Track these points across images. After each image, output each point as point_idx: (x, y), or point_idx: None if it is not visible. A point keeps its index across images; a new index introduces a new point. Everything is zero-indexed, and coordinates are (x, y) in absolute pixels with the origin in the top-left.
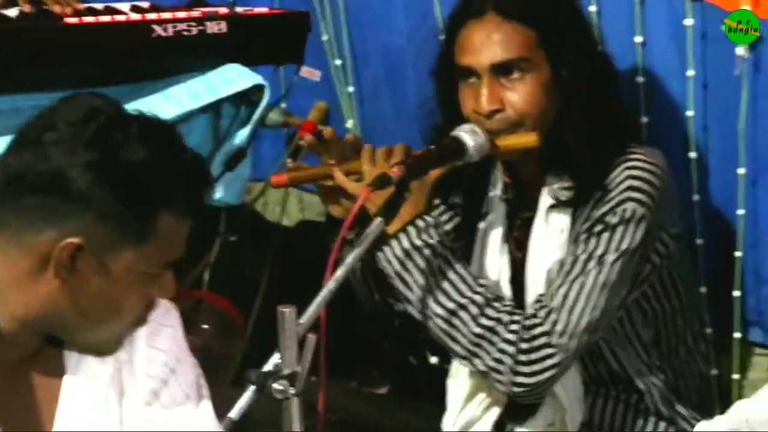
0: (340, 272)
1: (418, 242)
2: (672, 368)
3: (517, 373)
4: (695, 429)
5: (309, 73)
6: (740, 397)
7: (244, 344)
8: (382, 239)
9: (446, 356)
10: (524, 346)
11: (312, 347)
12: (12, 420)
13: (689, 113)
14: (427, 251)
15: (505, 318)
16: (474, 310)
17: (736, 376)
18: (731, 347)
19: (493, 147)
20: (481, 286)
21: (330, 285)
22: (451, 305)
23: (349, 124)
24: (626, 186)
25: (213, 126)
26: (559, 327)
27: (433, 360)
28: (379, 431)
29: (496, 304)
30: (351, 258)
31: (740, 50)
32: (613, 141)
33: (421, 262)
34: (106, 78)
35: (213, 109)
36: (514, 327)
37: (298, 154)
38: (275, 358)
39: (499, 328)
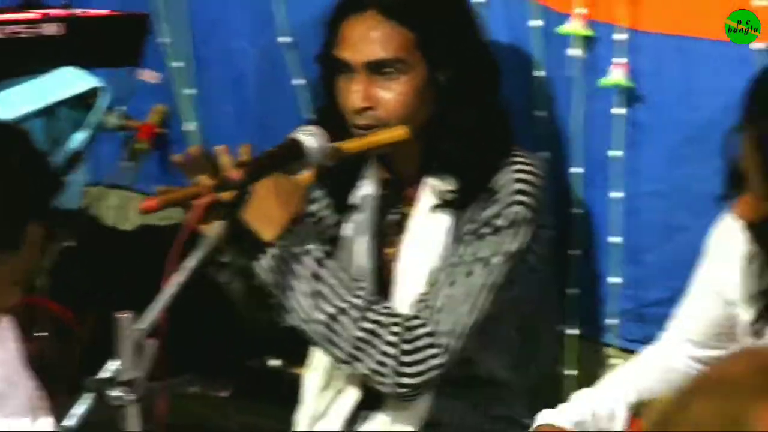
0: (179, 277)
1: (296, 249)
2: (533, 372)
3: (400, 374)
4: (539, 418)
5: (148, 75)
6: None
7: (81, 351)
8: (259, 248)
9: (290, 359)
10: (407, 347)
11: (151, 353)
12: None
13: (537, 113)
14: (304, 257)
15: (386, 320)
16: (355, 313)
17: (573, 372)
18: (568, 343)
19: (338, 150)
20: (361, 289)
21: (169, 290)
22: (331, 310)
23: (190, 127)
24: (514, 189)
25: (48, 129)
26: (443, 327)
27: (274, 363)
28: None
29: (376, 307)
30: (191, 262)
31: (573, 51)
32: (496, 143)
33: (300, 269)
34: None
35: (49, 112)
36: (395, 329)
37: (137, 158)
38: (113, 365)
39: (381, 331)
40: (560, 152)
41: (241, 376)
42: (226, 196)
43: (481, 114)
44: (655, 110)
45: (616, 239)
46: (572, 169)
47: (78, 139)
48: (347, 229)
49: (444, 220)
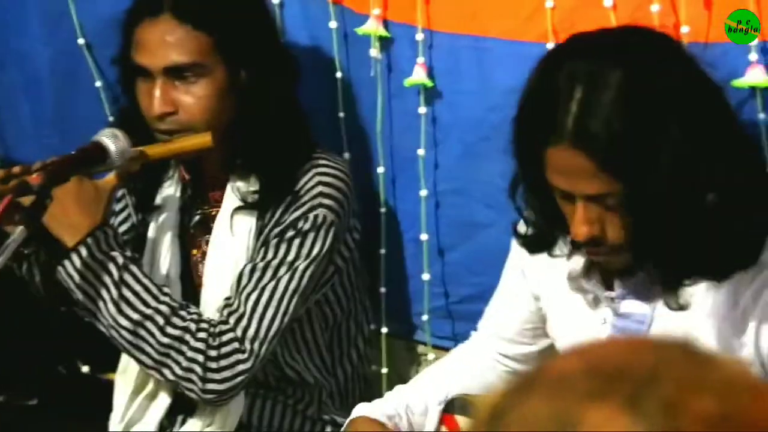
0: None
1: (99, 255)
2: (343, 371)
3: (207, 380)
4: (354, 411)
5: None
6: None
7: None
8: (61, 254)
9: (99, 365)
10: (213, 353)
11: None
12: None
13: (341, 114)
14: (108, 263)
15: (192, 326)
16: (160, 320)
17: (384, 371)
18: (378, 341)
19: (143, 154)
20: (166, 295)
21: None
22: (136, 317)
23: None
24: (317, 192)
25: None
26: (249, 333)
27: (85, 369)
28: None
29: (182, 313)
30: None
31: (373, 52)
32: (297, 144)
33: (103, 275)
34: None
35: None
36: (201, 335)
37: None
38: None
39: (187, 337)
40: (366, 152)
41: (50, 382)
42: (25, 200)
43: (281, 115)
44: (454, 109)
45: (423, 236)
46: (379, 169)
47: None
48: (151, 230)
49: (248, 222)
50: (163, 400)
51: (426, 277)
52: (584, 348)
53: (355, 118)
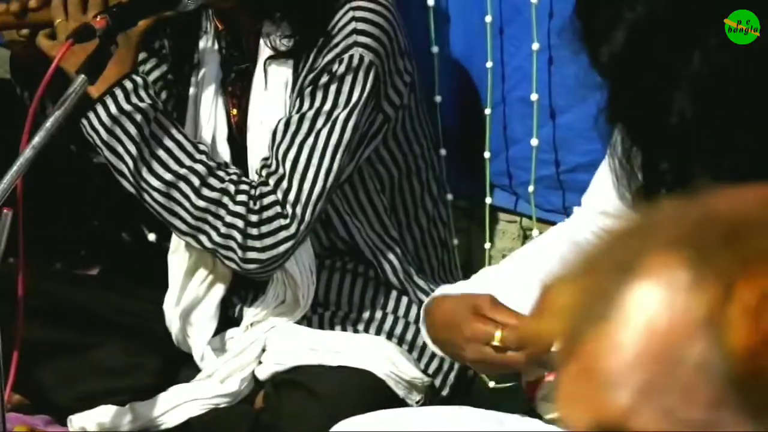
0: (37, 139)
1: (127, 106)
2: (412, 237)
3: (248, 248)
4: (436, 291)
5: None
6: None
7: None
8: (86, 104)
9: (167, 232)
10: (254, 218)
11: (7, 223)
12: None
13: None
14: (137, 116)
15: (232, 188)
16: (196, 181)
17: (487, 245)
18: (477, 214)
19: None
20: (202, 153)
21: (27, 153)
22: (169, 177)
23: None
24: (351, 29)
25: None
26: (291, 196)
27: (151, 237)
28: (90, 317)
29: (220, 173)
30: (50, 123)
31: None
32: None
33: (132, 128)
34: None
35: None
36: (241, 198)
37: None
38: None
39: (225, 200)
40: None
41: (113, 251)
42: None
43: None
44: None
45: (534, 96)
46: (486, 18)
47: None
48: (192, 87)
49: (284, 73)
50: (221, 283)
51: (534, 142)
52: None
53: None
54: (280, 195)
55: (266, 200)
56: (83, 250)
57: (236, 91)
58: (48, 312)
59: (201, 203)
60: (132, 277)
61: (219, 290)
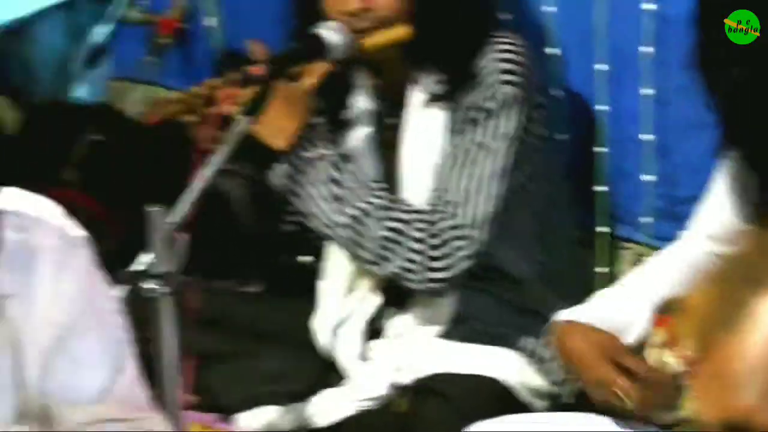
0: (207, 171)
1: (309, 154)
2: (555, 263)
3: (430, 269)
4: (559, 314)
5: None
6: None
7: (113, 244)
8: (271, 157)
9: (319, 255)
10: (434, 242)
11: (182, 247)
12: None
13: (550, 8)
14: (318, 162)
15: (410, 217)
16: (377, 213)
17: (605, 270)
18: (599, 241)
19: (359, 46)
20: (381, 189)
21: (197, 184)
22: (353, 212)
23: (211, 22)
24: (499, 69)
25: (70, 23)
26: (465, 219)
27: (306, 260)
28: (253, 329)
29: (399, 205)
30: (217, 157)
31: None
32: (477, 28)
33: (316, 174)
34: None
35: (69, 5)
36: (420, 225)
37: (160, 52)
38: (145, 258)
39: (406, 229)
40: (583, 48)
41: (272, 272)
42: (248, 92)
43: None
44: (682, 4)
45: (646, 137)
46: (597, 66)
47: (100, 33)
48: (348, 135)
49: (438, 115)
50: (374, 298)
51: (647, 178)
52: None
53: (568, 12)
54: (456, 220)
55: (443, 224)
56: (247, 271)
57: (390, 137)
58: (218, 324)
59: (384, 233)
60: (289, 294)
61: (367, 309)
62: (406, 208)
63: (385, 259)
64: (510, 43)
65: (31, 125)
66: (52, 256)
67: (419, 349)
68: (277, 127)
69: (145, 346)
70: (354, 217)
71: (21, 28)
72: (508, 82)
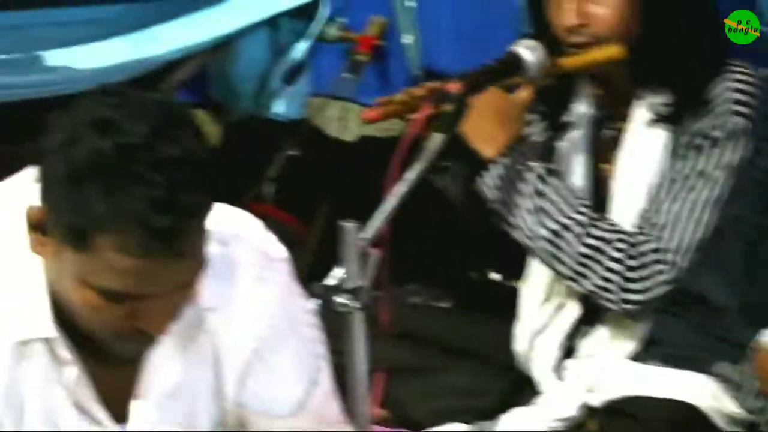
0: (401, 188)
1: (518, 166)
2: (757, 295)
3: (627, 291)
4: (761, 334)
5: None
6: None
7: (307, 258)
8: (480, 165)
9: (510, 273)
10: (633, 263)
11: (375, 262)
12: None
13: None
14: (527, 174)
15: (611, 237)
16: (578, 230)
17: None
18: None
19: (556, 66)
20: (584, 205)
21: (391, 200)
22: (554, 226)
23: (408, 39)
24: (730, 99)
25: (271, 40)
26: (670, 244)
27: (495, 276)
28: (443, 343)
29: (600, 224)
30: (412, 174)
31: None
32: (710, 54)
33: (522, 186)
34: None
35: (272, 22)
36: (620, 245)
37: (357, 70)
38: (338, 273)
39: (605, 247)
40: None
41: (462, 287)
42: (445, 109)
43: (693, 24)
44: None
45: None
46: None
47: (300, 49)
48: (563, 145)
49: (660, 135)
50: (572, 311)
51: None
52: None
53: None
54: (659, 243)
55: (645, 247)
56: (437, 286)
57: (607, 149)
58: (408, 338)
59: (583, 250)
60: (479, 310)
61: (565, 322)
62: (607, 227)
63: (583, 276)
64: (744, 73)
65: (231, 140)
66: (251, 270)
67: (611, 370)
68: (485, 134)
69: (337, 359)
70: (555, 232)
71: (223, 44)
72: (738, 113)
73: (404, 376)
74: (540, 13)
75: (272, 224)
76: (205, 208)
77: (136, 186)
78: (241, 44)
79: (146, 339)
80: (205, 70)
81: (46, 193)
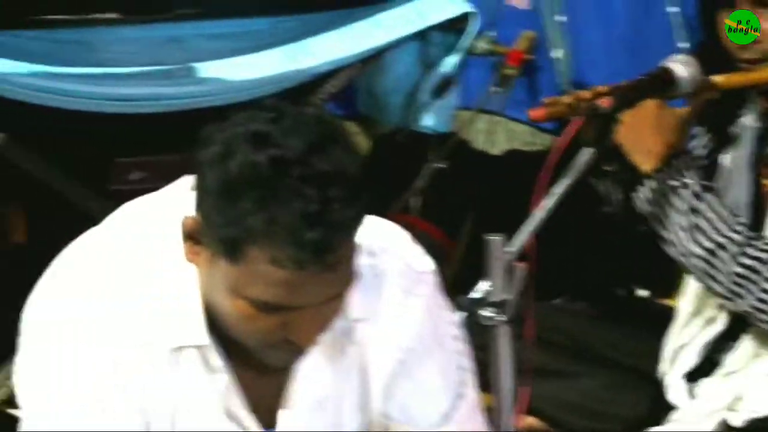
0: (548, 202)
1: (674, 182)
2: None
3: None
4: None
5: (517, 1)
6: None
7: (453, 270)
8: (637, 179)
9: (658, 290)
10: None
11: (521, 276)
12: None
13: None
14: (683, 191)
15: (766, 256)
16: (734, 249)
17: None
18: None
19: (709, 83)
20: (740, 224)
21: (538, 214)
22: (709, 245)
23: (558, 54)
24: None
25: (421, 54)
26: None
27: (642, 293)
28: (583, 348)
29: (757, 243)
30: (559, 188)
31: None
32: None
33: (677, 202)
34: (318, 3)
35: (421, 36)
36: None
37: (506, 84)
38: (484, 286)
39: (761, 267)
40: None
41: (609, 303)
42: (595, 123)
43: None
44: None
45: None
46: None
47: (449, 63)
48: (725, 160)
49: None
50: (718, 325)
51: None
52: None
53: None
54: None
55: None
56: (583, 302)
57: (765, 159)
58: (547, 340)
59: (738, 270)
60: (624, 322)
61: (710, 334)
62: (764, 246)
63: (738, 295)
64: None
65: (379, 152)
66: (399, 282)
67: (755, 388)
68: (643, 147)
69: (482, 372)
70: (709, 250)
71: (373, 57)
72: None
73: (540, 378)
74: (709, 29)
75: (418, 236)
76: (356, 223)
77: (290, 199)
78: (390, 57)
79: (296, 350)
80: (353, 82)
81: (201, 205)
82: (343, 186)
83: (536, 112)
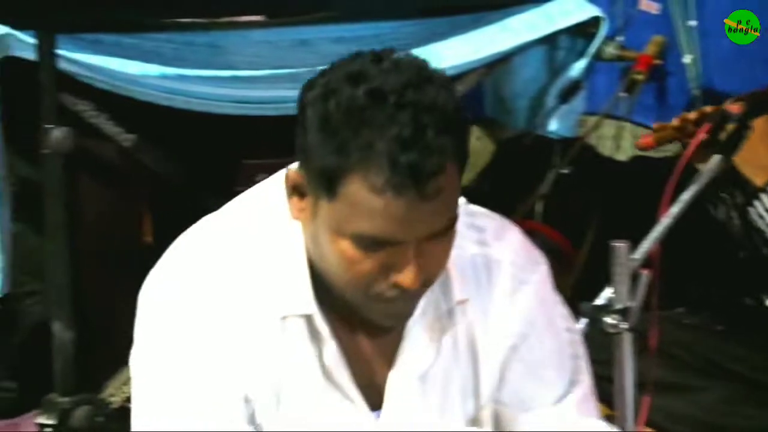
0: (675, 209)
1: None
2: None
3: None
4: None
5: (647, 5)
6: None
7: (575, 277)
8: (752, 193)
9: None
10: None
11: (645, 283)
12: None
13: None
14: None
15: None
16: None
17: None
18: None
19: None
20: None
21: (665, 221)
22: None
23: (687, 59)
24: None
25: (549, 58)
26: None
27: None
28: (704, 361)
29: None
30: (687, 195)
31: None
32: None
33: None
34: (447, 8)
35: (549, 41)
36: None
37: (633, 89)
38: (607, 293)
39: None
40: None
41: (735, 313)
42: (726, 130)
43: None
44: None
45: None
46: None
47: (577, 68)
48: None
49: None
50: None
51: None
52: None
53: None
54: None
55: None
56: (709, 311)
57: None
58: (667, 353)
59: None
60: (749, 334)
61: None
62: None
63: None
64: None
65: (504, 156)
66: (510, 270)
67: None
68: (758, 162)
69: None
70: None
71: (500, 61)
72: None
73: (663, 392)
74: None
75: (540, 241)
76: (451, 151)
77: (384, 126)
78: (518, 61)
79: (402, 298)
80: (481, 85)
81: (302, 146)
82: (436, 115)
83: (644, 141)
